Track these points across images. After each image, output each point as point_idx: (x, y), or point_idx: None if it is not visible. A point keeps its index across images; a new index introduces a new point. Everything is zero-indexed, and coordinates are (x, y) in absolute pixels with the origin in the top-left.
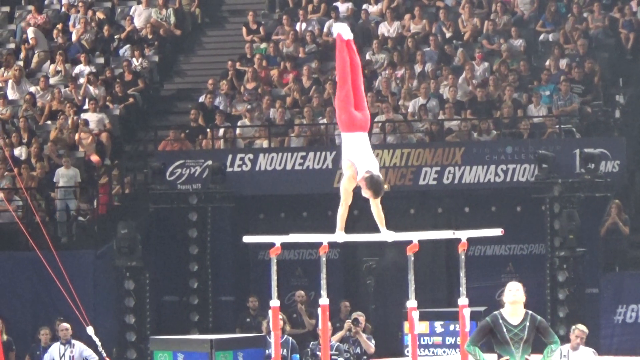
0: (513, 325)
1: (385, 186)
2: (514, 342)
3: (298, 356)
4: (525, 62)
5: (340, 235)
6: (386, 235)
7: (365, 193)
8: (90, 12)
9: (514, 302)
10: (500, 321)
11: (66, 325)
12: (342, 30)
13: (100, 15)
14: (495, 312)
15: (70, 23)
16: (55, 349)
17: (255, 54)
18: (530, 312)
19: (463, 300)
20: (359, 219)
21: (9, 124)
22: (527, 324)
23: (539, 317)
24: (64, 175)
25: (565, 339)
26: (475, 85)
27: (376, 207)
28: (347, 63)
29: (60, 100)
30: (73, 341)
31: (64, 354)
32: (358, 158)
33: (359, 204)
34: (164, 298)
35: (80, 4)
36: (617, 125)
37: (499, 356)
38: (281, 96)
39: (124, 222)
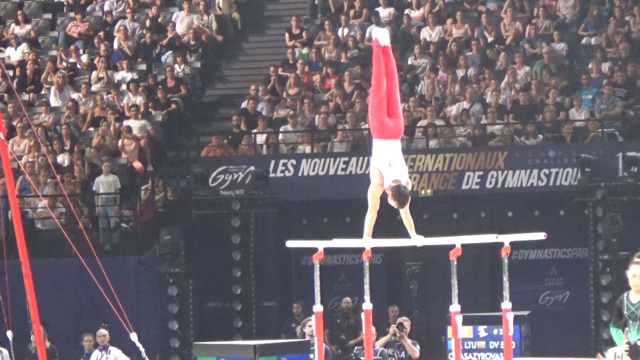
0: (632, 303)
1: (428, 191)
2: (631, 320)
3: None
4: (567, 66)
5: (367, 241)
6: (416, 240)
7: (391, 202)
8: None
9: (636, 287)
10: (625, 298)
11: (104, 331)
12: (380, 36)
13: (152, 13)
14: (627, 291)
15: (116, 29)
16: (95, 355)
17: (298, 60)
18: None
19: (506, 305)
20: (402, 224)
21: (52, 130)
22: None
23: None
24: (104, 182)
25: (610, 343)
26: (518, 89)
27: (405, 214)
28: (383, 70)
29: (103, 107)
30: (110, 347)
31: None
32: (386, 166)
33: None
34: (208, 304)
35: (128, 10)
36: None
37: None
38: (323, 101)
39: (167, 228)
